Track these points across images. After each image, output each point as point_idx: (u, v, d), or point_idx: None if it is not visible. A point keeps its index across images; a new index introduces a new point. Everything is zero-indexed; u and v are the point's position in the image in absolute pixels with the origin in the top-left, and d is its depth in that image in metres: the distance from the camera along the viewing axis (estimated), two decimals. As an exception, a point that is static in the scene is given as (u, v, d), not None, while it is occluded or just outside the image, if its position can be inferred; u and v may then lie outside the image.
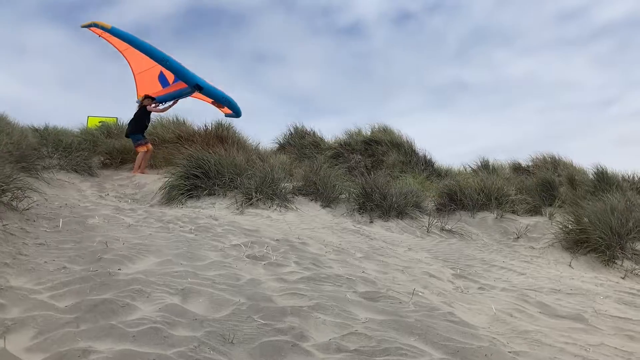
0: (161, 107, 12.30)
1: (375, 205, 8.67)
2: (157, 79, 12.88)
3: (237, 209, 7.64)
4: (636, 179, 16.22)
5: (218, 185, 8.30)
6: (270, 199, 8.12)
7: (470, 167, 15.17)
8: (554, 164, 16.20)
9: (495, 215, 9.23)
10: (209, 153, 9.35)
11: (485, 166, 15.07)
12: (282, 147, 15.56)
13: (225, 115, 13.46)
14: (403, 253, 6.65)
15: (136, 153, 11.45)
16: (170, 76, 12.41)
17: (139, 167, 11.20)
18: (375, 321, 3.05)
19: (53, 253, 3.99)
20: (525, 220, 9.18)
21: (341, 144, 14.97)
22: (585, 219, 8.05)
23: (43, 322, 2.54)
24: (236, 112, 13.05)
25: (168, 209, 7.45)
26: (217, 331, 2.59)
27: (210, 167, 8.37)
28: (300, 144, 15.32)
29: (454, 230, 8.46)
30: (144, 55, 11.51)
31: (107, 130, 14.31)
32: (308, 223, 7.55)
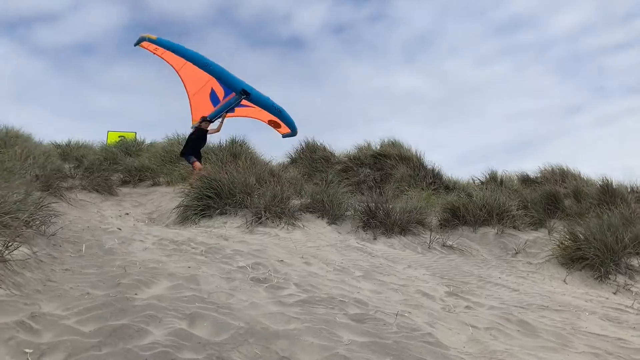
0: (214, 126, 12.52)
1: (379, 222, 9.09)
2: (209, 98, 13.07)
3: (247, 228, 8.12)
4: (644, 190, 16.38)
5: (229, 204, 8.79)
6: (279, 217, 8.59)
7: (478, 179, 15.51)
8: (562, 175, 16.46)
9: (496, 230, 9.59)
10: (223, 171, 9.87)
11: (493, 178, 15.38)
12: (294, 161, 16.04)
13: (283, 137, 13.50)
14: (402, 270, 7.06)
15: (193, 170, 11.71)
16: (220, 92, 12.67)
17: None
18: (357, 343, 3.48)
19: (77, 278, 4.48)
20: (525, 236, 9.53)
21: (351, 158, 15.43)
22: (581, 235, 8.38)
23: (71, 346, 3.02)
24: (291, 127, 12.98)
25: (182, 229, 7.96)
26: (216, 354, 3.05)
27: (222, 188, 8.87)
28: (311, 158, 15.80)
29: (454, 246, 8.84)
30: (197, 73, 11.82)
31: (125, 147, 14.93)
32: (314, 241, 8.00)
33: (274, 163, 14.47)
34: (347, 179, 14.23)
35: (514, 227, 9.92)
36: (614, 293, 7.36)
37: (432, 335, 3.92)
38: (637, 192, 16.04)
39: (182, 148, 12.29)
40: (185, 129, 14.22)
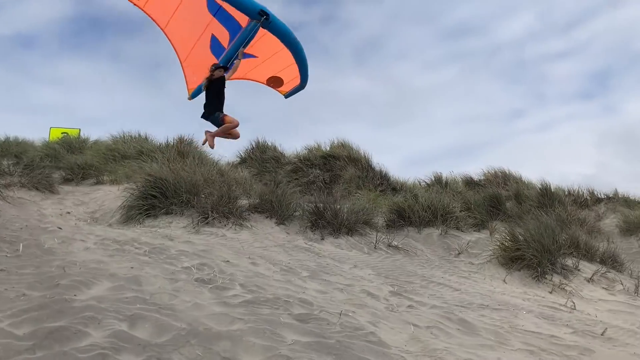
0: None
1: (327, 222, 9.15)
2: (210, 50, 10.46)
3: (194, 228, 8.03)
4: (580, 192, 17.18)
5: (175, 204, 8.66)
6: (226, 218, 8.53)
7: (424, 182, 15.84)
8: (504, 178, 17.04)
9: (440, 231, 9.82)
10: (169, 169, 9.72)
11: (438, 181, 15.74)
12: (244, 161, 15.96)
13: (286, 96, 11.05)
14: (348, 270, 7.14)
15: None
16: (224, 37, 10.14)
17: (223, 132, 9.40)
18: (300, 343, 3.51)
19: (13, 279, 4.32)
20: (468, 237, 9.80)
21: (301, 159, 15.48)
22: (520, 237, 8.69)
23: (2, 350, 2.91)
24: (304, 75, 10.49)
25: (126, 229, 7.78)
26: (156, 355, 3.01)
27: (167, 187, 8.73)
28: (261, 158, 15.76)
29: (400, 246, 8.99)
30: (189, 22, 9.69)
31: (68, 144, 14.46)
32: (261, 241, 7.98)
33: (223, 162, 14.38)
34: (297, 179, 14.28)
35: (457, 228, 10.19)
36: (550, 292, 7.67)
37: (375, 335, 3.99)
38: (573, 195, 16.82)
39: (202, 111, 9.82)
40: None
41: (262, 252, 7.24)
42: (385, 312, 5.04)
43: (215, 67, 9.75)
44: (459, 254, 9.04)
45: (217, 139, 9.41)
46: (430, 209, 10.21)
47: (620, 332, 5.95)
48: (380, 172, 15.13)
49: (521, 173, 17.71)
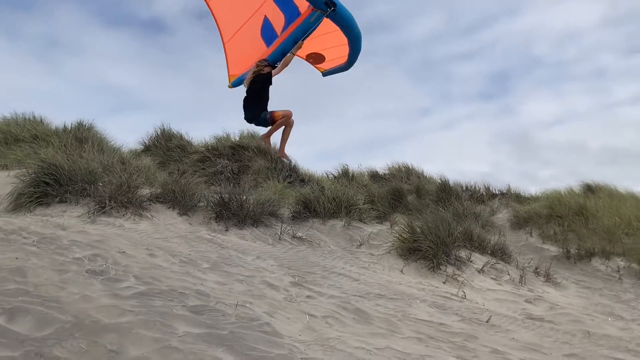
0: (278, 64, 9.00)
1: (232, 213, 9.07)
2: (260, 34, 9.51)
3: (89, 218, 7.69)
4: (477, 188, 18.20)
5: (70, 192, 8.24)
6: (125, 207, 8.23)
7: (332, 174, 16.10)
8: (407, 173, 17.69)
9: (344, 223, 10.03)
10: (65, 155, 9.25)
11: (345, 174, 16.06)
12: (148, 149, 15.46)
13: (324, 74, 10.59)
14: (250, 262, 7.12)
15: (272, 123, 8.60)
16: (278, 20, 9.10)
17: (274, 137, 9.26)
18: (192, 334, 3.47)
19: None
20: (370, 228, 10.07)
21: (209, 149, 15.21)
22: (418, 229, 9.06)
23: None
24: (351, 59, 9.94)
25: (14, 217, 7.31)
26: (35, 350, 2.87)
27: (62, 174, 8.28)
28: (166, 146, 15.33)
29: (304, 237, 9.09)
30: (237, 3, 8.65)
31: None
32: (162, 232, 7.78)
33: (126, 150, 13.85)
34: (204, 169, 14.04)
35: (361, 220, 10.44)
36: (444, 282, 8.06)
37: (270, 325, 4.03)
38: (470, 190, 17.78)
39: (244, 114, 9.07)
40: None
41: (161, 244, 7.07)
42: (284, 303, 5.09)
43: (266, 64, 8.90)
44: (361, 245, 9.28)
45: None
46: (335, 200, 10.39)
47: (504, 319, 6.39)
48: (289, 163, 15.18)
49: (424, 168, 18.54)
